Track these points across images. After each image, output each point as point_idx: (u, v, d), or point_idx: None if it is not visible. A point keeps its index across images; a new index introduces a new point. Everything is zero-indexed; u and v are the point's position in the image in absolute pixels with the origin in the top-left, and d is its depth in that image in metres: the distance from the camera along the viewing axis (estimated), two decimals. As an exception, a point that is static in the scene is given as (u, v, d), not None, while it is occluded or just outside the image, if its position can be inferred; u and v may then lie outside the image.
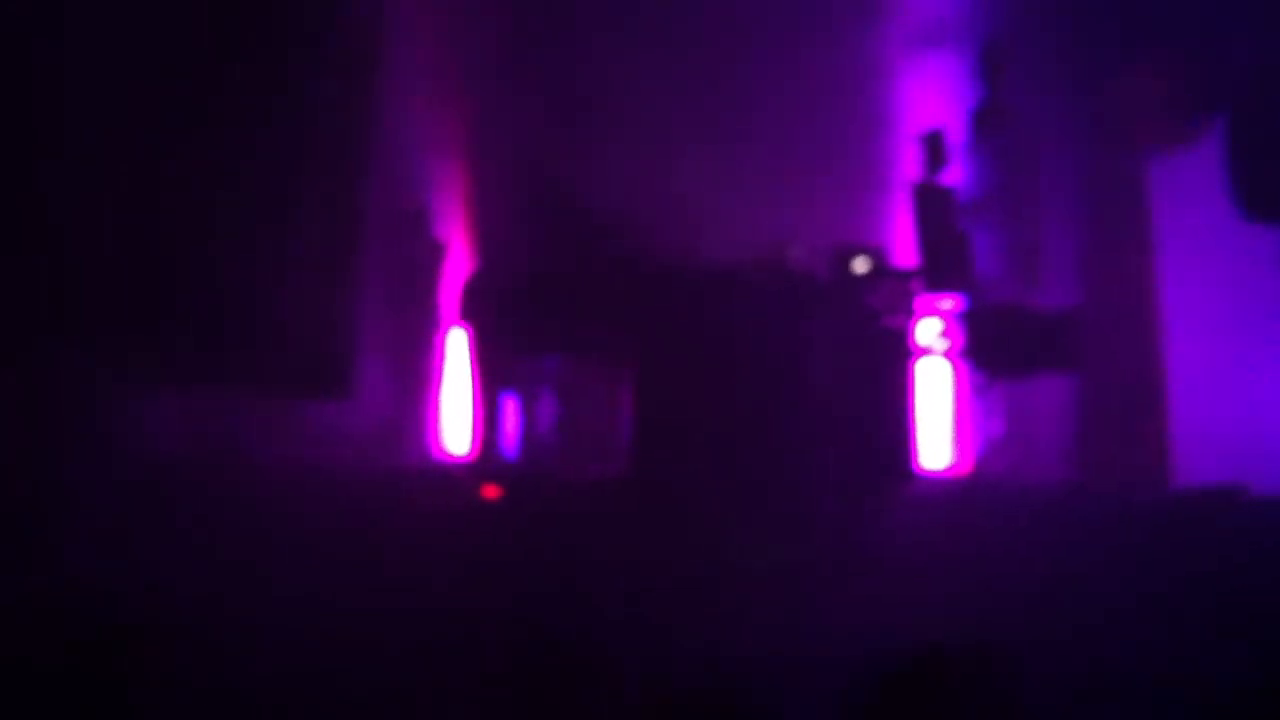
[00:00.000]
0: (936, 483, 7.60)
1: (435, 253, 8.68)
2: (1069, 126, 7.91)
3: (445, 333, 8.68)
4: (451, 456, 8.52)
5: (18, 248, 5.77)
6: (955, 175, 7.76)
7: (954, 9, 8.25)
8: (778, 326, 6.65)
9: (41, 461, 5.95)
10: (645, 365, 6.90)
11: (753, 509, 6.30)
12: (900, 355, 6.95)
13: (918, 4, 8.35)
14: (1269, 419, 7.07)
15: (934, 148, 7.65)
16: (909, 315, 7.22)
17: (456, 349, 8.52)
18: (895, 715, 3.81)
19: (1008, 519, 6.61)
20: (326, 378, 7.19)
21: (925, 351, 7.49)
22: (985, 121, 7.72)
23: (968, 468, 7.76)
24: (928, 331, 7.49)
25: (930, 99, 8.22)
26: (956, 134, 7.82)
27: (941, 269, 7.41)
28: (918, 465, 7.04)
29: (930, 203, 7.55)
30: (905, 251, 7.80)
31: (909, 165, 7.85)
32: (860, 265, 7.16)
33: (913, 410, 6.85)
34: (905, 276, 7.36)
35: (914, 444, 6.84)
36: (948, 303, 7.47)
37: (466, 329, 8.16)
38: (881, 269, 7.22)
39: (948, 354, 7.61)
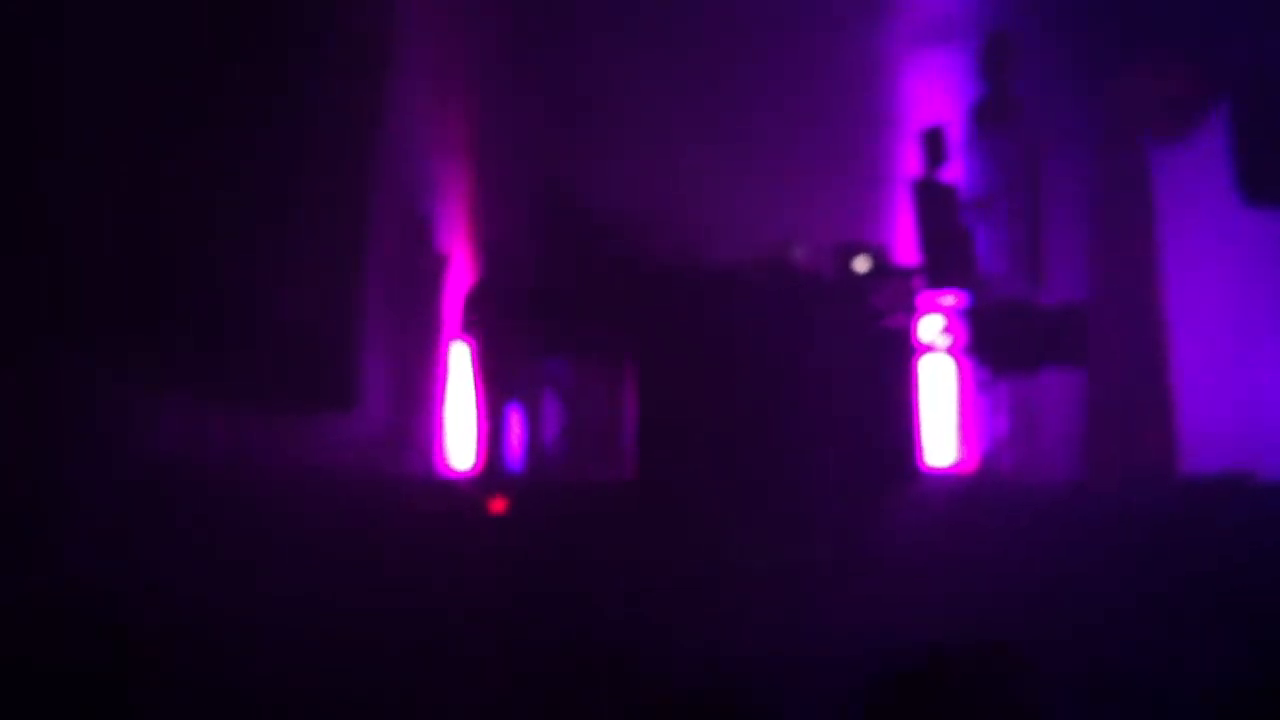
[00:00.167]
0: (942, 480, 7.56)
1: (438, 263, 8.65)
2: (1073, 121, 7.88)
3: (448, 344, 8.64)
4: (455, 468, 8.49)
5: (18, 247, 5.78)
6: (958, 171, 7.74)
7: (958, 5, 8.22)
8: (780, 326, 6.63)
9: (42, 462, 5.95)
10: (647, 365, 6.88)
11: (755, 509, 6.28)
12: (903, 353, 6.92)
13: (922, 0, 8.34)
14: (1274, 410, 7.03)
15: (934, 145, 7.63)
16: (912, 313, 7.19)
17: (459, 361, 8.48)
18: (903, 715, 3.79)
19: (1013, 517, 6.57)
20: (331, 388, 7.19)
21: (928, 349, 7.45)
22: (989, 116, 7.69)
23: (973, 465, 7.72)
24: (931, 329, 7.46)
25: (934, 95, 8.19)
26: (959, 130, 7.80)
27: (944, 266, 7.38)
28: (923, 463, 7.01)
29: (931, 200, 7.52)
30: (908, 249, 7.78)
31: (912, 162, 7.83)
32: (862, 264, 7.13)
33: (917, 408, 6.82)
34: (908, 274, 7.33)
35: (919, 442, 6.81)
36: (950, 299, 7.44)
37: (469, 340, 8.14)
38: (884, 267, 7.20)
39: (951, 351, 7.58)
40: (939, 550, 6.20)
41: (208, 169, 6.37)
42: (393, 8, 7.25)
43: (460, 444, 8.47)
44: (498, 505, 7.36)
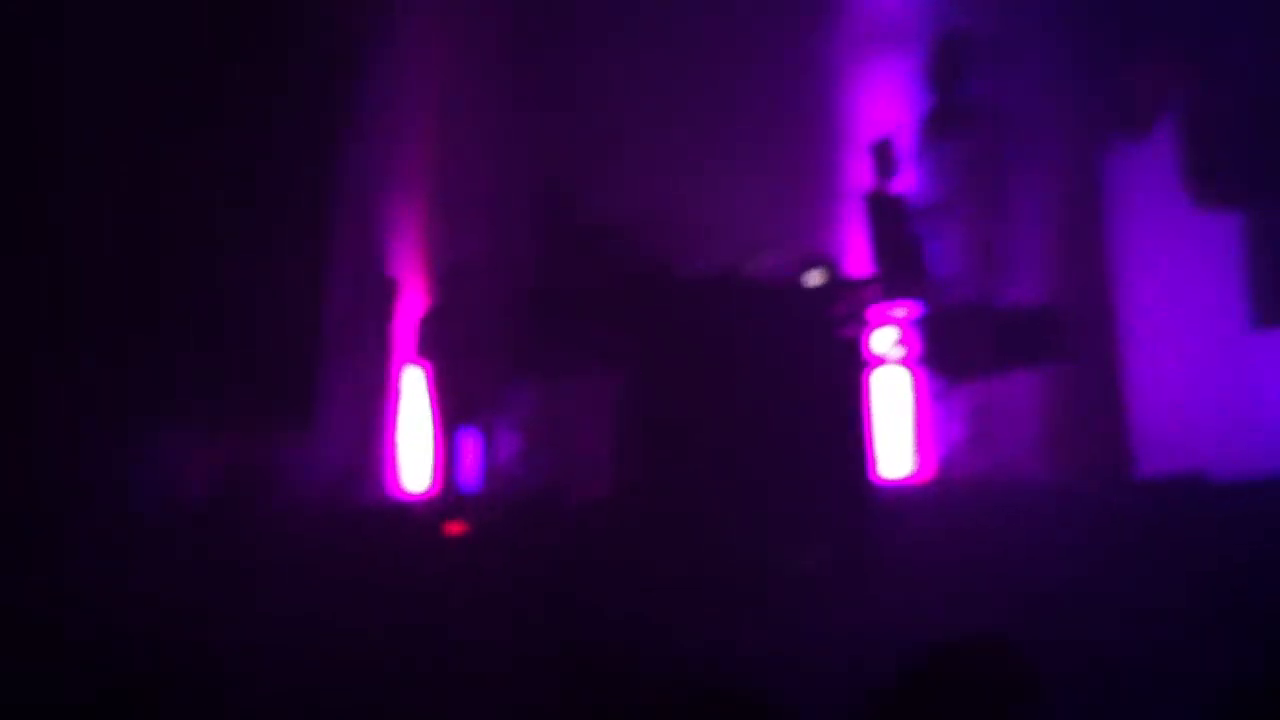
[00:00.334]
0: (900, 490, 7.59)
1: (390, 288, 8.62)
2: (1027, 122, 7.97)
3: (403, 368, 8.60)
4: (410, 494, 8.44)
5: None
6: (911, 178, 7.81)
7: (910, 8, 8.30)
8: (734, 339, 6.65)
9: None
10: (607, 385, 6.89)
11: (723, 518, 6.28)
12: (857, 365, 6.95)
13: (871, 3, 8.41)
14: (1229, 409, 7.13)
15: (884, 156, 7.70)
16: (866, 325, 7.23)
17: (415, 384, 8.44)
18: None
19: (970, 522, 6.61)
20: (289, 408, 7.14)
21: (883, 360, 7.49)
22: (943, 120, 7.77)
23: (930, 474, 7.76)
24: (885, 340, 7.51)
25: (887, 101, 8.26)
26: (912, 136, 7.87)
27: (897, 278, 7.44)
28: (879, 474, 7.04)
29: (883, 212, 7.59)
30: (861, 260, 7.83)
31: (865, 172, 7.89)
32: (816, 276, 7.18)
33: (870, 419, 6.84)
34: (861, 286, 7.38)
35: (873, 453, 6.84)
36: (903, 311, 7.49)
37: (425, 364, 8.11)
38: (837, 279, 7.24)
39: (905, 362, 7.62)
40: (903, 557, 6.23)
41: (168, 189, 6.34)
42: (349, 33, 7.26)
43: (416, 467, 8.43)
44: (455, 528, 7.35)
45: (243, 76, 6.54)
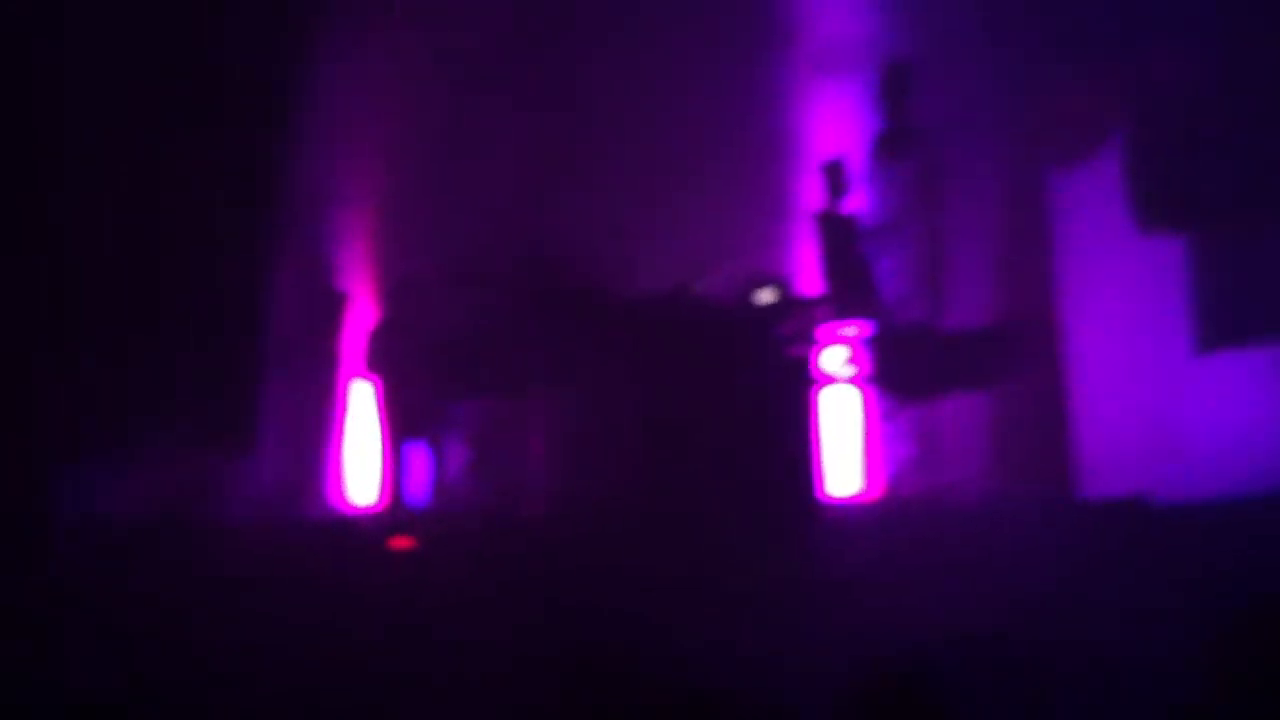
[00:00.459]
0: (848, 509, 7.62)
1: (338, 302, 8.56)
2: (973, 144, 8.04)
3: (350, 382, 8.55)
4: (356, 508, 8.39)
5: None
6: (860, 200, 7.85)
7: (858, 31, 8.36)
8: (684, 358, 6.66)
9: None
10: (555, 399, 6.88)
11: (660, 539, 6.28)
12: (807, 384, 6.97)
13: (820, 28, 8.46)
14: (1171, 426, 7.20)
15: (835, 176, 7.74)
16: (816, 344, 7.26)
17: (362, 398, 8.40)
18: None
19: (919, 541, 6.64)
20: (228, 433, 7.07)
21: (833, 379, 7.52)
22: (890, 142, 7.82)
23: (879, 492, 7.79)
24: (835, 359, 7.54)
25: (837, 123, 8.31)
26: (860, 158, 7.92)
27: (847, 297, 7.48)
28: (827, 493, 7.06)
29: (833, 231, 7.63)
30: (811, 280, 7.86)
31: (815, 192, 7.93)
32: (766, 295, 7.20)
33: (819, 438, 6.87)
34: (811, 305, 7.41)
35: (821, 472, 6.86)
36: (853, 329, 7.53)
37: (372, 378, 8.07)
38: (788, 298, 7.27)
39: (855, 381, 7.66)
40: (851, 576, 6.24)
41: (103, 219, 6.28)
42: (296, 54, 7.23)
43: (363, 482, 8.37)
44: (402, 543, 7.31)
45: (180, 93, 6.50)
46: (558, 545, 6.46)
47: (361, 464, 8.39)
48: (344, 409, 8.47)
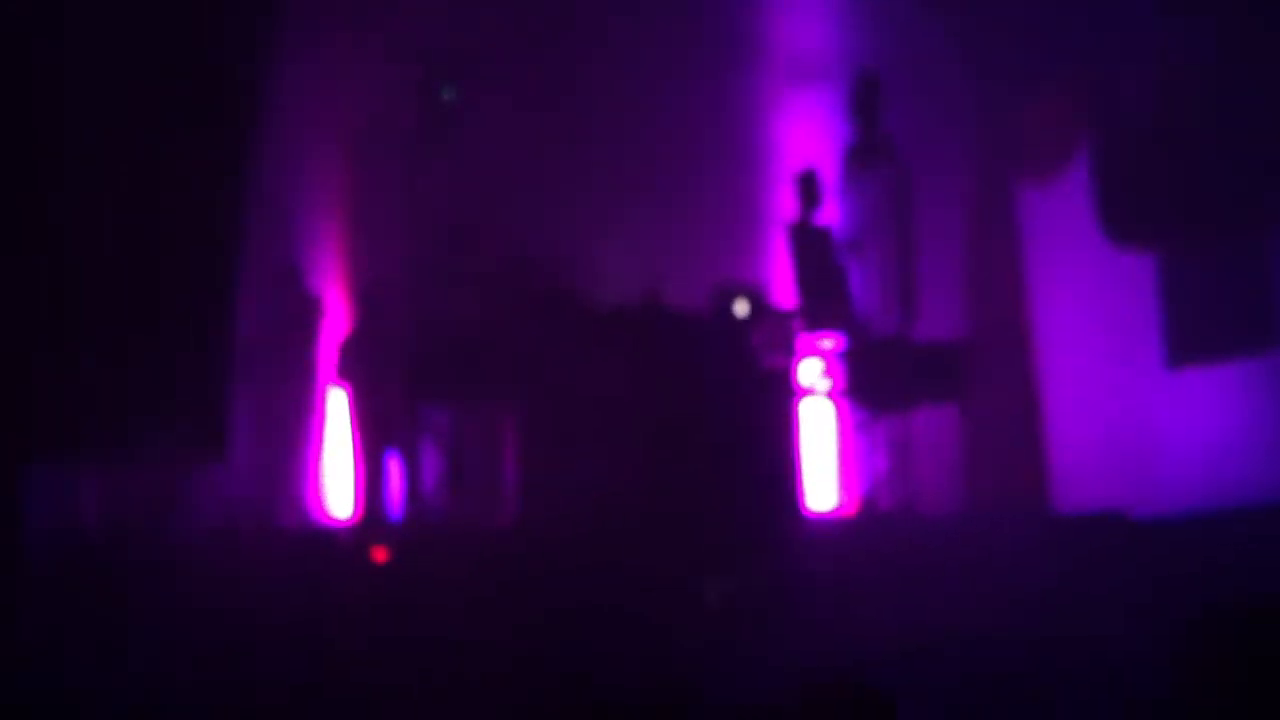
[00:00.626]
0: (824, 522, 7.61)
1: (311, 309, 8.52)
2: (944, 158, 8.07)
3: (323, 392, 8.50)
4: (333, 516, 8.34)
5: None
6: (832, 212, 7.87)
7: (830, 44, 8.39)
8: (658, 369, 6.65)
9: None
10: (527, 409, 6.86)
11: (634, 551, 6.27)
12: (782, 396, 6.98)
13: (792, 41, 8.49)
14: (1142, 439, 7.23)
15: (808, 188, 7.76)
16: (790, 355, 7.26)
17: (337, 406, 8.35)
18: None
19: (892, 556, 6.65)
20: (201, 440, 7.02)
21: (807, 391, 7.53)
22: (862, 155, 7.85)
23: (854, 506, 7.79)
24: (809, 371, 7.54)
25: (809, 135, 8.33)
26: (832, 170, 7.95)
27: (820, 308, 7.49)
28: (805, 506, 7.06)
29: (807, 242, 7.65)
30: (785, 291, 7.87)
31: (789, 203, 7.95)
32: (741, 307, 7.20)
33: (798, 450, 6.87)
34: (785, 317, 7.42)
35: (801, 484, 6.86)
36: (828, 342, 7.54)
37: (345, 386, 8.03)
38: (762, 309, 7.27)
39: (829, 393, 7.66)
40: (824, 589, 6.25)
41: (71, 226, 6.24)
42: (266, 54, 7.19)
43: (339, 491, 8.33)
44: (379, 554, 7.26)
45: (149, 94, 6.47)
46: (533, 554, 6.44)
47: (339, 473, 8.33)
48: (321, 416, 8.42)
